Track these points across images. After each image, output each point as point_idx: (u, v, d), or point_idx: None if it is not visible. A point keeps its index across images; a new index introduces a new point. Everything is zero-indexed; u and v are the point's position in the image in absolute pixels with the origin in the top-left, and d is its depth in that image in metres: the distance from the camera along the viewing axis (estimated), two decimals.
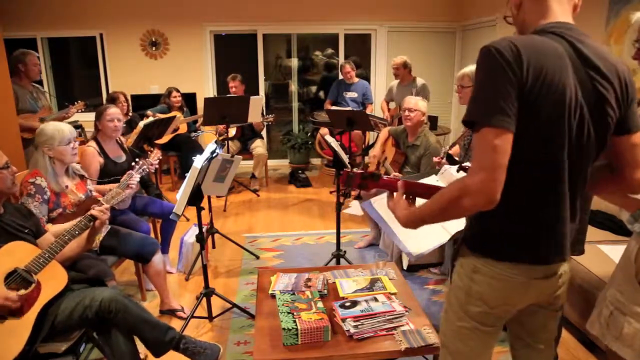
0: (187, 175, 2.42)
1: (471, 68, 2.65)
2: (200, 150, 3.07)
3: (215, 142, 2.62)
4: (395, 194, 1.38)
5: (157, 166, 2.90)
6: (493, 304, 1.23)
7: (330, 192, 5.28)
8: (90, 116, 3.07)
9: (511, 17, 1.26)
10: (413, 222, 1.28)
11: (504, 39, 1.08)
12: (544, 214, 1.16)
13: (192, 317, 2.66)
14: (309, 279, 2.30)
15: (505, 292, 1.21)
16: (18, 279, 1.79)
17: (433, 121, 5.17)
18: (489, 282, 1.21)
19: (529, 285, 1.21)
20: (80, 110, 4.19)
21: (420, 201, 1.33)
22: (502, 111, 1.03)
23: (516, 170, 1.06)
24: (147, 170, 2.69)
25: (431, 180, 2.94)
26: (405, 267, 3.27)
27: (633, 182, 1.26)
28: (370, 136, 6.08)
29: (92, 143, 2.97)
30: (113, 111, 2.97)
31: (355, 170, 1.49)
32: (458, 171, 2.34)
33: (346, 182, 1.48)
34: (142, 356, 2.09)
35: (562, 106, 1.07)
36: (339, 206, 3.01)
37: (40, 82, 5.80)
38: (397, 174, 3.45)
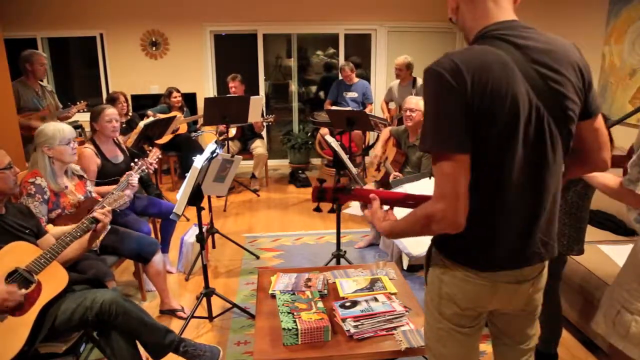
0: (187, 175, 2.42)
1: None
2: (200, 150, 3.08)
3: (216, 142, 2.62)
4: (372, 204, 1.38)
5: (156, 166, 2.90)
6: (463, 305, 1.22)
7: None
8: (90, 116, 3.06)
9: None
10: (394, 235, 1.30)
11: (446, 56, 1.06)
12: (504, 220, 1.15)
13: (192, 317, 2.66)
14: (309, 279, 2.30)
15: (473, 294, 1.21)
16: (19, 278, 1.80)
17: None
18: (457, 284, 1.21)
19: (497, 288, 1.20)
20: (82, 110, 4.21)
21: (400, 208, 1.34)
22: (453, 138, 1.03)
23: (475, 179, 1.06)
24: (147, 170, 2.69)
25: (427, 181, 2.95)
26: (405, 267, 3.27)
27: (599, 162, 1.29)
28: (370, 136, 6.09)
29: (89, 144, 2.97)
30: (111, 112, 2.96)
31: (325, 184, 1.48)
32: None
33: (318, 197, 1.47)
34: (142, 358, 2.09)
35: (516, 115, 1.05)
36: (339, 206, 3.01)
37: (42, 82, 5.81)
38: (397, 173, 3.45)
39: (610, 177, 1.63)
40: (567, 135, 1.17)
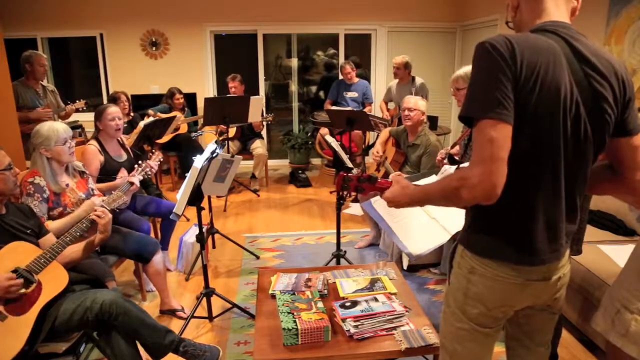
0: (187, 175, 2.42)
1: (465, 70, 2.64)
2: (200, 150, 3.07)
3: (216, 142, 2.62)
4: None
5: (156, 169, 2.91)
6: (491, 305, 1.22)
7: (331, 192, 5.27)
8: (91, 116, 3.07)
9: (511, 21, 1.26)
10: (420, 199, 1.28)
11: (499, 35, 1.08)
12: (540, 214, 1.15)
13: (192, 317, 2.66)
14: (309, 279, 2.30)
15: (503, 293, 1.21)
16: (19, 278, 1.79)
17: (433, 121, 5.17)
18: (486, 283, 1.21)
19: (526, 286, 1.20)
20: (81, 109, 4.21)
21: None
22: (499, 103, 1.03)
23: (511, 169, 1.05)
24: (149, 173, 2.70)
25: (431, 180, 2.94)
26: (405, 267, 3.27)
27: (634, 184, 1.25)
28: (370, 136, 6.08)
29: (94, 142, 2.98)
30: (113, 110, 2.97)
31: (351, 173, 1.49)
32: None
33: (342, 185, 1.48)
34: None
35: (557, 103, 1.07)
36: (339, 206, 3.01)
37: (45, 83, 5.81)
38: (397, 173, 3.45)
39: None
40: (600, 141, 1.17)
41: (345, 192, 1.56)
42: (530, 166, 1.11)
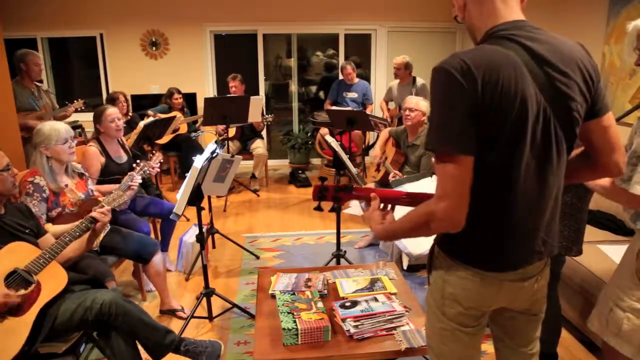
0: (187, 175, 2.42)
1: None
2: (200, 150, 3.07)
3: (215, 142, 2.62)
4: (371, 203, 1.38)
5: (158, 169, 2.91)
6: (466, 305, 1.22)
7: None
8: (91, 116, 3.07)
9: (460, 20, 1.23)
10: (387, 236, 1.31)
11: (455, 55, 1.04)
12: (509, 220, 1.15)
13: (192, 317, 2.66)
14: (309, 279, 2.30)
15: (478, 294, 1.21)
16: (18, 279, 1.80)
17: None
18: (461, 284, 1.21)
19: (501, 286, 1.20)
20: (80, 109, 4.19)
21: (399, 209, 1.34)
22: (459, 138, 1.02)
23: (480, 179, 1.06)
24: (149, 172, 2.69)
25: (427, 181, 2.95)
26: (405, 267, 3.27)
27: (611, 166, 1.24)
28: (370, 136, 6.08)
29: (94, 143, 2.98)
30: (112, 111, 2.97)
31: (326, 183, 1.48)
32: None
33: (319, 196, 1.47)
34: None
35: (525, 116, 1.05)
36: (339, 207, 3.01)
37: (40, 82, 5.80)
38: (397, 173, 3.45)
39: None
40: (571, 137, 1.16)
41: (338, 202, 1.56)
42: (499, 179, 1.11)
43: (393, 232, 1.27)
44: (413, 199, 1.34)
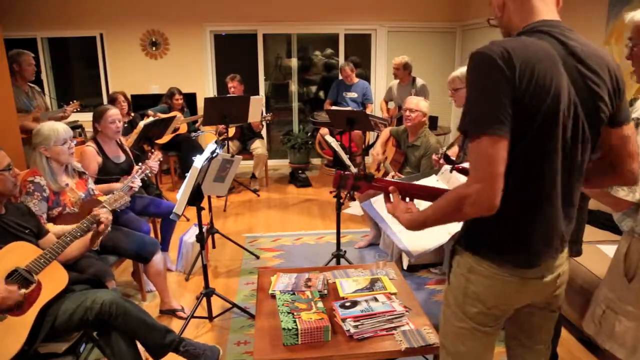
0: (187, 175, 2.42)
1: (461, 70, 2.63)
2: (200, 150, 3.08)
3: (215, 142, 2.62)
4: (391, 196, 1.38)
5: (157, 169, 2.91)
6: (490, 304, 1.23)
7: (330, 192, 5.27)
8: (91, 116, 3.06)
9: (495, 19, 1.24)
10: (417, 226, 1.28)
11: (495, 43, 1.06)
12: (538, 217, 1.16)
13: (192, 317, 2.66)
14: (309, 279, 2.30)
15: (502, 292, 1.21)
16: (18, 279, 1.79)
17: (433, 121, 5.17)
18: (485, 282, 1.21)
19: (525, 284, 1.21)
20: (75, 110, 4.18)
21: (419, 202, 1.33)
22: (496, 119, 1.03)
23: (510, 175, 1.06)
24: (149, 175, 2.70)
25: (431, 180, 2.94)
26: (405, 267, 3.27)
27: (627, 174, 1.25)
28: (370, 136, 6.09)
29: (91, 143, 2.98)
30: (113, 112, 2.97)
31: (348, 171, 1.49)
32: (451, 171, 2.35)
33: (339, 184, 1.48)
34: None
35: (557, 108, 1.06)
36: (339, 206, 3.01)
37: (40, 82, 5.80)
38: (397, 173, 3.45)
39: None
40: (595, 137, 1.18)
41: (346, 192, 1.57)
42: (529, 172, 1.11)
43: (423, 221, 1.24)
44: (430, 193, 1.34)
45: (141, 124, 4.06)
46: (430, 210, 1.19)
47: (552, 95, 1.05)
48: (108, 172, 2.96)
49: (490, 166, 1.03)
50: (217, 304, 2.82)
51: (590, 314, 1.74)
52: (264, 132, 5.87)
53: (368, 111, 5.53)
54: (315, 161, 6.63)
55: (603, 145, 1.25)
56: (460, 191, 1.08)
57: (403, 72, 5.09)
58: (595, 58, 1.13)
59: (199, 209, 2.59)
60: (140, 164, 2.69)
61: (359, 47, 6.67)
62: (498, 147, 1.03)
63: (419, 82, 5.08)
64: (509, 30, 1.21)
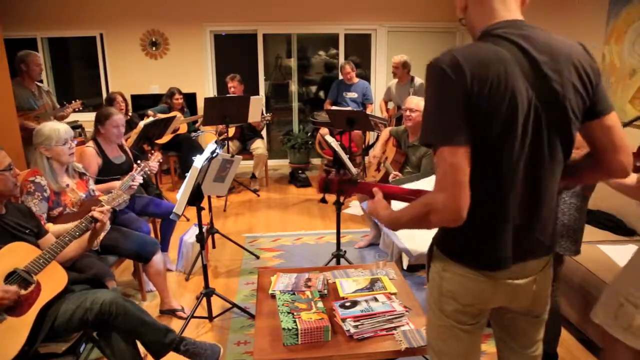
0: (187, 175, 2.42)
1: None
2: (200, 150, 3.08)
3: (215, 142, 2.62)
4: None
5: (156, 168, 2.91)
6: (464, 302, 1.23)
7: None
8: (91, 116, 3.07)
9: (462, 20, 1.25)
10: (391, 223, 1.29)
11: (447, 52, 1.07)
12: (500, 216, 1.15)
13: (192, 317, 2.66)
14: (309, 279, 2.30)
15: (474, 290, 1.22)
16: (17, 279, 1.79)
17: None
18: (458, 280, 1.22)
19: (497, 285, 1.21)
20: (77, 109, 4.19)
21: (395, 204, 1.34)
22: (455, 128, 1.04)
23: (475, 183, 1.06)
24: (148, 172, 2.70)
25: (431, 180, 2.93)
26: (405, 267, 3.26)
27: (616, 166, 1.22)
28: (370, 136, 6.09)
29: (91, 143, 2.98)
30: (118, 118, 2.98)
31: (332, 175, 1.48)
32: None
33: (324, 188, 1.48)
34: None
35: (515, 113, 1.06)
36: (339, 206, 3.01)
37: (41, 82, 5.79)
38: (397, 173, 3.45)
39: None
40: (568, 137, 1.16)
41: (342, 195, 1.56)
42: (493, 178, 1.11)
43: (397, 219, 1.24)
44: (416, 196, 1.34)
45: (141, 124, 4.06)
46: (402, 213, 1.20)
47: (508, 97, 1.05)
48: (108, 173, 2.96)
49: (454, 175, 1.04)
50: (217, 304, 2.82)
51: (602, 304, 1.76)
52: (264, 132, 5.86)
53: (368, 111, 5.53)
54: (315, 161, 6.63)
55: (588, 140, 1.24)
56: (427, 200, 1.10)
57: (402, 71, 5.09)
58: (558, 55, 1.11)
59: (199, 209, 2.59)
60: (139, 162, 2.69)
61: (359, 47, 6.67)
62: (459, 155, 1.04)
63: (418, 81, 5.09)
64: (472, 33, 1.21)
